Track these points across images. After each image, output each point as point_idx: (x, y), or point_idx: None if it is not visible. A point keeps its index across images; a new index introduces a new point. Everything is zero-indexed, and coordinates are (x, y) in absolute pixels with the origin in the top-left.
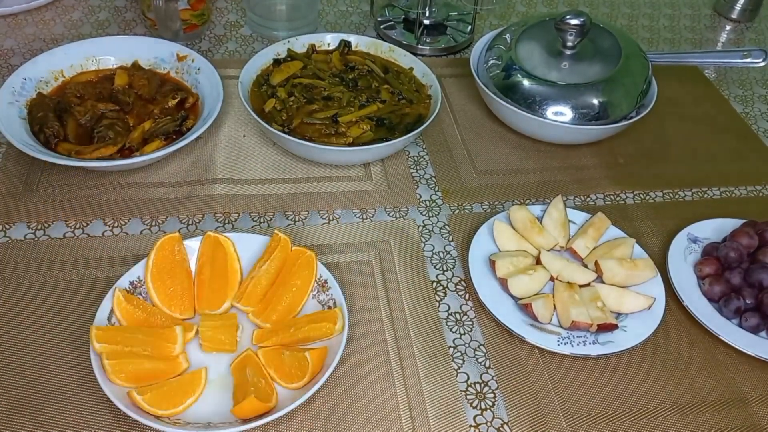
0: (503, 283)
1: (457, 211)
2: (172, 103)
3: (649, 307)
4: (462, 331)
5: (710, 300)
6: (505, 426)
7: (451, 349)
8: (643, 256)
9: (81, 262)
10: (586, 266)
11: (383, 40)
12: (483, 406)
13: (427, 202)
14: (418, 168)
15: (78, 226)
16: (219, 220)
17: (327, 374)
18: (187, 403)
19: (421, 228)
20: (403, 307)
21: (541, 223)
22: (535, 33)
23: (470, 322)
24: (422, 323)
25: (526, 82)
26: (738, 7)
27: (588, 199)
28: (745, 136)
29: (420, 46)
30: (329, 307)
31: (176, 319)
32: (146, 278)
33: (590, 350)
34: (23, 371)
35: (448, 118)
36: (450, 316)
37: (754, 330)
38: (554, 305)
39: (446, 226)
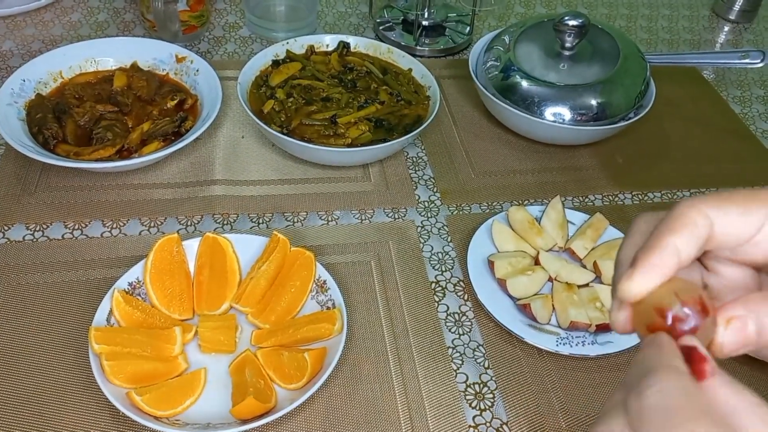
0: (502, 283)
1: (456, 211)
2: (170, 104)
3: None
4: (461, 332)
5: None
6: (504, 426)
7: (450, 350)
8: None
9: (80, 263)
10: (584, 267)
11: (382, 41)
12: (482, 407)
13: (426, 203)
14: (416, 169)
15: (77, 227)
16: (218, 221)
17: (326, 375)
18: (186, 404)
19: (419, 228)
20: (401, 307)
21: (539, 223)
22: (533, 34)
23: (469, 323)
24: (421, 324)
25: (524, 83)
26: (736, 8)
27: (586, 199)
28: (743, 137)
29: (419, 48)
30: (328, 308)
31: (175, 320)
32: (145, 279)
33: (589, 350)
34: (22, 373)
35: (446, 119)
36: (449, 317)
37: None
38: (553, 306)
39: (445, 227)
